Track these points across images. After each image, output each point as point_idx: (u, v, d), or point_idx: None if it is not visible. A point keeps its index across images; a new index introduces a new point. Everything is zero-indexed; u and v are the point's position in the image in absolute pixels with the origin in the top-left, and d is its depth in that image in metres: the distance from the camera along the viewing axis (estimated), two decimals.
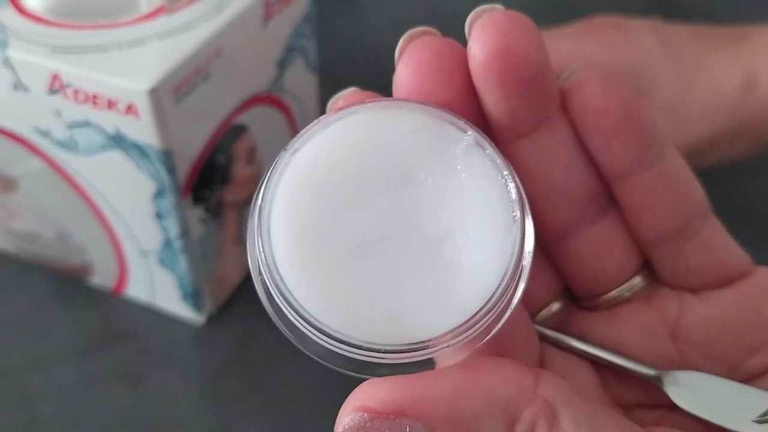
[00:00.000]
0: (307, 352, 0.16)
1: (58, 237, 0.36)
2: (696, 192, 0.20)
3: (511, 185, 0.15)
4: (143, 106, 0.27)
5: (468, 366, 0.16)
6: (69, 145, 0.30)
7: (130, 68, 0.28)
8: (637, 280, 0.20)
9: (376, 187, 0.15)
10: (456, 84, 0.17)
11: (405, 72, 0.17)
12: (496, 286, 0.15)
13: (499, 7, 0.17)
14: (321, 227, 0.15)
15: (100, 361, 0.35)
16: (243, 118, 0.33)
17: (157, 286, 0.35)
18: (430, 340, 0.15)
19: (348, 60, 0.52)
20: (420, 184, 0.15)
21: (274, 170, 0.15)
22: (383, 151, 0.15)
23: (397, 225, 0.15)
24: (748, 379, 0.19)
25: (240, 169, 0.35)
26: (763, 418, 0.18)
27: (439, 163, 0.15)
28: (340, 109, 0.16)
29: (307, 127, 0.16)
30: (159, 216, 0.31)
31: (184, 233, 0.32)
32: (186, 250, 0.33)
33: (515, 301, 0.16)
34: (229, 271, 0.37)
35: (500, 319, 0.15)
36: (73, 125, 0.29)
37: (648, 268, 0.20)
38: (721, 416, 0.18)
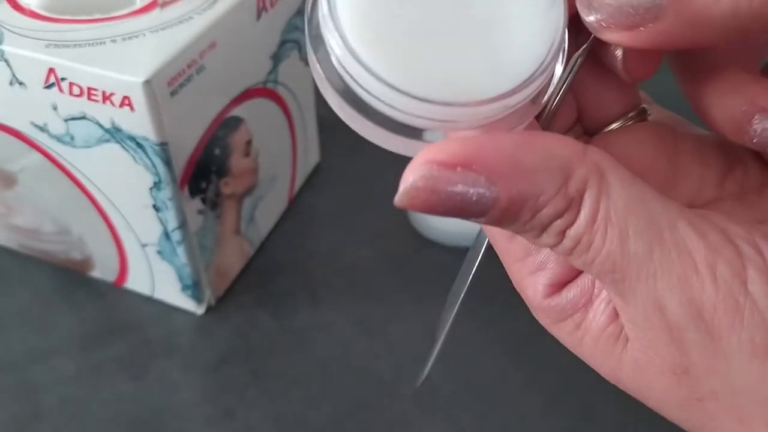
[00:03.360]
0: (344, 114, 0.17)
1: (58, 231, 0.36)
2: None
3: None
4: (138, 98, 0.28)
5: (525, 131, 0.17)
6: (66, 139, 0.31)
7: (125, 61, 0.28)
8: (633, 114, 0.22)
9: None
10: None
11: None
12: (546, 53, 0.17)
13: None
14: (383, 13, 0.16)
15: (101, 353, 0.35)
16: (238, 111, 0.34)
17: (157, 278, 0.36)
18: (491, 98, 0.16)
19: None
20: None
21: None
22: None
23: (451, 9, 0.17)
24: (738, 189, 0.21)
25: (237, 161, 0.35)
26: None
27: None
28: None
29: None
30: (156, 208, 0.32)
31: (182, 225, 0.33)
32: (184, 241, 0.33)
33: (558, 71, 0.17)
34: (229, 262, 0.37)
35: (548, 88, 0.17)
36: (70, 119, 0.30)
37: (640, 107, 0.22)
38: None
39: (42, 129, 0.31)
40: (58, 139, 0.31)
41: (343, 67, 0.16)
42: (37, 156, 0.32)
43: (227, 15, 0.31)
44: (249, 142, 0.36)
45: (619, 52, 0.20)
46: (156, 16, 0.30)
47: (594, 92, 0.22)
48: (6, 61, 0.29)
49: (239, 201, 0.37)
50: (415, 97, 0.16)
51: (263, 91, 0.35)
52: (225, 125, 0.33)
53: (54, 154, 0.32)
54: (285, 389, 0.34)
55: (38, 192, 0.35)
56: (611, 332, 0.19)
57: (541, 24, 0.17)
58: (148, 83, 0.27)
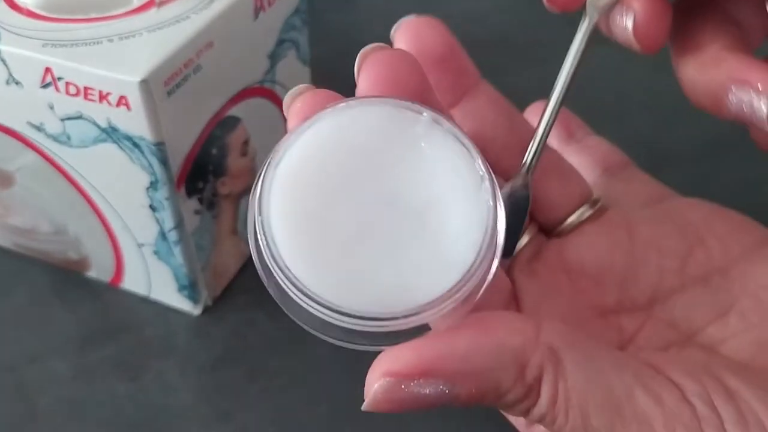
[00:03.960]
0: (321, 335, 0.18)
1: (54, 231, 0.36)
2: (615, 152, 0.25)
3: (472, 149, 0.17)
4: (134, 98, 0.28)
5: (476, 323, 0.17)
6: (62, 139, 0.31)
7: (121, 61, 0.28)
8: (586, 208, 0.23)
9: (356, 178, 0.17)
10: (411, 87, 0.19)
11: (365, 85, 0.19)
12: (482, 238, 0.17)
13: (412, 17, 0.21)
14: (316, 220, 0.17)
15: (97, 354, 0.35)
16: (236, 110, 0.34)
17: (153, 279, 0.36)
18: (434, 301, 0.16)
19: (341, 54, 0.52)
20: (394, 166, 0.17)
21: (264, 182, 0.17)
22: (355, 145, 0.17)
23: (382, 206, 0.17)
24: (701, 272, 0.22)
25: (234, 161, 0.35)
26: None
27: (406, 144, 0.17)
28: (304, 113, 0.18)
29: (283, 139, 0.17)
30: (153, 208, 0.32)
31: (179, 225, 0.32)
32: (181, 242, 0.33)
33: (498, 250, 0.17)
34: (225, 262, 0.37)
35: (491, 268, 0.17)
36: (66, 118, 0.30)
37: (593, 197, 0.23)
38: None
39: (38, 128, 0.31)
40: (55, 138, 0.31)
41: (284, 285, 0.17)
42: (33, 156, 0.32)
43: (224, 14, 0.31)
44: (246, 142, 0.35)
45: (629, 23, 0.20)
46: (153, 15, 0.30)
47: (543, 191, 0.23)
48: (2, 60, 0.29)
49: (236, 201, 0.36)
50: (363, 317, 0.16)
51: (260, 90, 0.35)
52: (222, 125, 0.33)
53: (50, 154, 0.32)
54: (282, 390, 0.34)
55: (35, 192, 0.35)
56: None
57: (473, 206, 0.17)
58: (144, 83, 0.27)
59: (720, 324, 0.21)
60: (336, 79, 0.50)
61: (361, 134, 0.17)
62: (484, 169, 0.17)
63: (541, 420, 0.18)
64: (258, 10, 0.33)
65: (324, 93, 0.19)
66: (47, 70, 0.28)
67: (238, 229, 0.37)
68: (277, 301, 0.17)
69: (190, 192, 0.32)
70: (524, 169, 0.22)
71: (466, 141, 0.17)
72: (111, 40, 0.29)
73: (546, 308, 0.22)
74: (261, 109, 0.36)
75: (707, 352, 0.21)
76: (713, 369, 0.19)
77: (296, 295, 0.17)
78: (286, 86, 0.37)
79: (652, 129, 0.47)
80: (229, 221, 0.36)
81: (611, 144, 0.25)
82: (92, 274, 0.38)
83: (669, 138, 0.46)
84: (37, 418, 0.33)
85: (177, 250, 0.33)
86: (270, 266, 0.17)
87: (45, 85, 0.29)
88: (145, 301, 0.37)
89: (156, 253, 0.34)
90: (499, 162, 0.22)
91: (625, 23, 0.20)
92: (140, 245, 0.34)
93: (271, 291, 0.17)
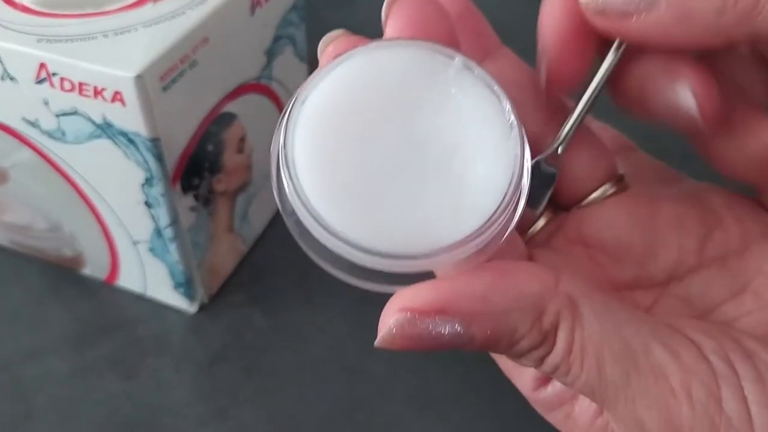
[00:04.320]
0: (337, 273, 0.17)
1: (49, 228, 0.36)
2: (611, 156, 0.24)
3: (502, 97, 0.17)
4: (129, 93, 0.27)
5: (495, 267, 0.17)
6: (57, 135, 0.30)
7: (116, 56, 0.28)
8: (610, 185, 0.22)
9: (383, 119, 0.17)
10: (440, 33, 0.18)
11: (393, 30, 0.18)
12: (507, 186, 0.17)
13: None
14: (340, 157, 0.16)
15: (93, 351, 0.35)
16: (232, 107, 0.34)
17: (149, 276, 0.35)
18: (454, 243, 0.16)
19: None
20: (422, 109, 0.17)
21: (290, 115, 0.17)
22: (384, 86, 0.17)
23: (408, 149, 0.17)
24: (718, 253, 0.22)
25: (230, 158, 0.35)
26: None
27: (435, 88, 0.17)
28: (336, 54, 0.18)
29: (313, 74, 0.17)
30: (148, 205, 0.32)
31: (174, 222, 0.32)
32: (176, 238, 0.33)
33: (522, 201, 0.17)
34: (221, 260, 0.37)
35: (513, 219, 0.17)
36: (61, 114, 0.29)
37: (616, 175, 0.23)
38: None
39: (33, 124, 0.31)
40: (50, 134, 0.31)
41: (304, 219, 0.17)
42: (28, 152, 0.32)
43: (220, 10, 0.31)
44: (243, 139, 0.35)
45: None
46: (148, 10, 0.30)
47: (572, 166, 0.22)
48: None
49: (232, 198, 0.36)
50: (381, 254, 0.16)
51: (257, 86, 0.35)
52: (218, 121, 0.33)
53: (45, 150, 0.32)
54: (278, 388, 0.34)
55: (30, 188, 0.35)
56: (600, 425, 0.20)
57: (500, 154, 0.17)
58: (139, 78, 0.27)
59: (735, 302, 0.21)
60: None
61: (390, 75, 0.17)
62: (513, 119, 0.17)
63: (554, 370, 0.18)
64: (254, 6, 0.33)
65: (358, 38, 0.19)
66: (42, 65, 0.28)
67: (235, 226, 0.37)
68: (295, 237, 0.17)
69: (186, 189, 0.32)
70: (556, 144, 0.21)
71: (497, 88, 0.17)
72: (106, 36, 0.29)
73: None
74: (258, 105, 0.36)
75: (724, 325, 0.21)
76: (731, 331, 0.19)
77: (316, 230, 0.16)
78: (283, 83, 0.37)
79: (651, 127, 0.47)
80: (225, 218, 0.36)
81: (614, 129, 0.24)
82: (87, 271, 0.38)
83: (667, 136, 0.46)
84: (33, 416, 0.33)
85: (172, 248, 0.33)
86: (291, 200, 0.17)
87: (40, 81, 0.29)
88: (141, 299, 0.37)
89: (151, 250, 0.34)
90: (528, 128, 0.22)
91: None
92: (135, 242, 0.34)
93: (289, 225, 0.17)
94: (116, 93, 0.28)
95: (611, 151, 0.23)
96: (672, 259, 0.22)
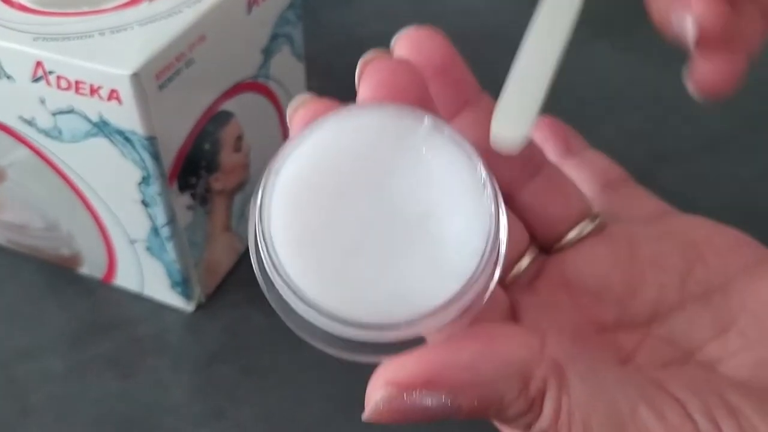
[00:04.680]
0: (321, 346, 0.17)
1: (46, 227, 0.36)
2: (613, 166, 0.24)
3: (473, 155, 0.17)
4: (125, 91, 0.27)
5: (480, 334, 0.17)
6: (53, 134, 0.30)
7: (113, 54, 0.28)
8: (587, 223, 0.23)
9: (357, 186, 0.17)
10: (411, 94, 0.19)
11: (366, 92, 0.19)
12: (484, 246, 0.16)
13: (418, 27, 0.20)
14: (317, 228, 0.16)
15: (90, 350, 0.35)
16: (229, 105, 0.33)
17: (146, 275, 0.35)
18: (435, 309, 0.16)
19: (336, 50, 0.52)
20: (395, 172, 0.17)
21: (265, 189, 0.17)
22: (356, 153, 0.17)
23: (383, 215, 0.17)
24: (701, 289, 0.22)
25: (227, 157, 0.35)
26: None
27: (407, 151, 0.17)
28: (306, 119, 0.18)
29: (284, 145, 0.17)
30: (145, 203, 0.32)
31: (171, 221, 0.32)
32: (173, 237, 0.33)
33: (501, 258, 0.17)
34: (219, 259, 0.37)
35: (493, 277, 0.17)
36: (57, 113, 0.29)
37: (593, 213, 0.23)
38: None
39: (30, 123, 0.31)
40: (46, 133, 0.31)
41: (285, 294, 0.17)
42: (25, 151, 0.32)
43: (217, 8, 0.30)
44: (239, 137, 0.35)
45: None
46: (144, 8, 0.30)
47: (544, 208, 0.23)
48: None
49: (230, 197, 0.36)
50: (364, 326, 0.16)
51: (254, 85, 0.35)
52: (215, 120, 0.33)
53: (42, 149, 0.32)
54: (276, 387, 0.34)
55: (27, 187, 0.35)
56: None
57: (474, 214, 0.17)
58: (136, 76, 0.27)
59: (719, 342, 0.21)
60: (331, 75, 0.50)
61: (361, 141, 0.17)
62: (485, 176, 0.17)
63: None
64: (251, 4, 0.33)
65: (326, 102, 0.19)
66: (38, 64, 0.28)
67: (232, 225, 0.37)
68: (278, 311, 0.17)
69: (183, 187, 0.32)
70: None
71: (467, 147, 0.17)
72: (102, 34, 0.29)
73: (546, 324, 0.21)
74: (254, 104, 0.36)
75: (707, 369, 0.21)
76: (715, 385, 0.19)
77: (297, 304, 0.16)
78: (280, 81, 0.37)
79: (650, 127, 0.47)
80: (222, 217, 0.36)
81: (609, 159, 0.25)
82: (85, 270, 0.38)
83: (666, 136, 0.46)
84: (29, 415, 0.33)
85: (170, 246, 0.33)
86: (271, 275, 0.16)
87: (36, 79, 0.29)
88: (138, 298, 0.37)
89: (148, 249, 0.34)
90: (498, 174, 0.22)
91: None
92: (132, 241, 0.34)
93: (271, 300, 0.17)
94: (112, 91, 0.28)
95: (586, 190, 0.24)
96: (653, 297, 0.22)
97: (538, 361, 0.17)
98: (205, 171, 0.33)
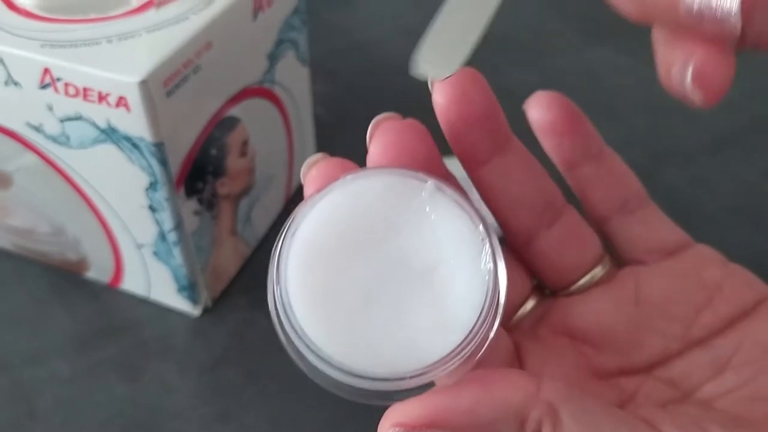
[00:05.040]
0: (337, 393, 0.19)
1: (53, 232, 0.36)
2: (631, 178, 0.24)
3: (473, 214, 0.19)
4: (134, 98, 0.27)
5: (480, 379, 0.19)
6: (61, 140, 0.31)
7: (120, 61, 0.28)
8: (599, 269, 0.24)
9: (367, 245, 0.18)
10: (419, 155, 0.20)
11: (376, 153, 0.20)
12: (483, 300, 0.18)
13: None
14: (329, 287, 0.18)
15: (96, 354, 0.35)
16: (235, 111, 0.34)
17: (153, 279, 0.36)
18: (440, 360, 0.18)
19: (340, 54, 0.52)
20: (401, 232, 0.18)
21: (281, 250, 0.19)
22: (365, 213, 0.19)
23: (391, 271, 0.18)
24: (704, 335, 0.23)
25: (233, 162, 0.35)
26: None
27: (411, 210, 0.19)
28: (319, 178, 0.20)
29: (298, 208, 0.19)
30: (152, 209, 0.32)
31: (178, 226, 0.32)
32: (180, 242, 0.33)
33: (500, 309, 0.18)
34: (225, 263, 0.37)
35: (493, 327, 0.18)
36: (65, 119, 0.30)
37: (605, 258, 0.24)
38: None
39: (37, 129, 0.31)
40: (54, 139, 0.31)
41: (296, 342, 0.18)
42: (32, 156, 0.32)
43: (223, 15, 0.31)
44: (245, 142, 0.35)
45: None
46: (152, 15, 0.30)
47: (560, 258, 0.23)
48: (1, 61, 0.29)
49: (236, 201, 0.36)
50: (377, 378, 0.18)
51: (260, 90, 0.35)
52: (221, 125, 0.33)
53: (49, 155, 0.32)
54: (282, 391, 0.34)
55: (33, 192, 0.35)
56: None
57: (474, 270, 0.18)
58: (144, 83, 0.27)
59: (717, 381, 0.22)
60: (334, 78, 0.50)
61: (370, 203, 0.19)
62: (485, 234, 0.18)
63: None
64: (257, 11, 0.33)
65: (337, 161, 0.20)
66: (46, 70, 0.28)
67: (238, 229, 0.37)
68: (296, 362, 0.19)
69: (190, 192, 0.32)
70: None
71: (467, 206, 0.19)
72: (110, 41, 0.29)
73: (549, 369, 0.23)
74: (260, 109, 0.36)
75: (703, 407, 0.22)
76: (702, 423, 0.20)
77: (311, 358, 0.18)
78: (285, 86, 0.37)
79: (651, 128, 0.47)
80: (228, 222, 0.36)
81: (625, 165, 0.25)
82: (91, 274, 0.38)
83: (667, 137, 0.46)
84: (36, 420, 0.33)
85: (176, 251, 0.33)
86: (288, 331, 0.18)
87: (44, 86, 0.29)
88: (145, 302, 0.37)
89: (155, 253, 0.34)
90: (521, 222, 0.23)
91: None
92: (139, 246, 0.34)
93: (290, 352, 0.19)
94: (120, 98, 0.28)
95: (605, 208, 0.24)
96: (657, 347, 0.23)
97: (533, 402, 0.18)
98: (211, 176, 0.34)
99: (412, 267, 0.18)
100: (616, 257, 0.24)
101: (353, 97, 0.48)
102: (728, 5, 0.18)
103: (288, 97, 0.38)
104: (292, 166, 0.41)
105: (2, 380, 0.34)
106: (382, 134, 0.20)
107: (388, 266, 0.18)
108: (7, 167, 0.34)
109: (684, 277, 0.23)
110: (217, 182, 0.34)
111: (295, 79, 0.38)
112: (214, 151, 0.33)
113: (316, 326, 0.18)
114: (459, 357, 0.18)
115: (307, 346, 0.18)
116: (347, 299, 0.18)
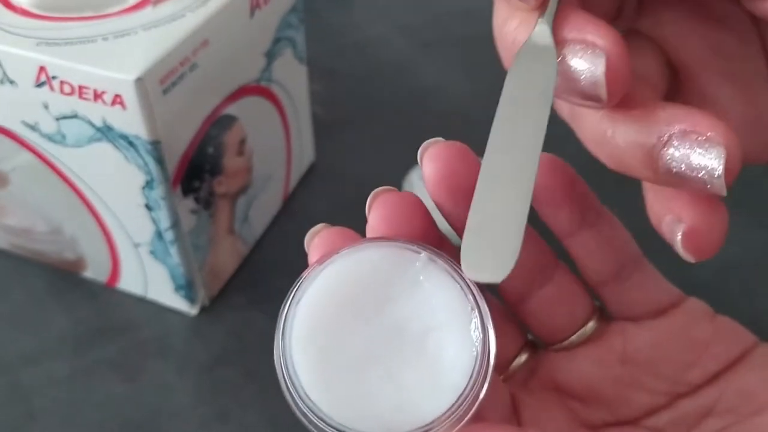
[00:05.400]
0: None
1: (50, 231, 0.36)
2: (628, 242, 0.24)
3: (463, 284, 0.20)
4: (129, 96, 0.27)
5: None
6: (57, 138, 0.30)
7: (116, 59, 0.28)
8: (589, 326, 0.24)
9: (365, 310, 0.20)
10: (415, 225, 0.21)
11: (375, 224, 0.21)
12: (473, 365, 0.19)
13: (440, 139, 0.21)
14: (329, 351, 0.19)
15: (94, 354, 0.35)
16: (232, 109, 0.34)
17: (150, 278, 0.35)
18: (434, 421, 0.19)
19: (338, 52, 0.52)
20: (397, 300, 0.20)
21: (286, 317, 0.20)
22: (364, 282, 0.20)
23: (386, 336, 0.20)
24: (691, 389, 0.24)
25: (230, 161, 0.35)
26: None
27: (406, 280, 0.20)
28: (322, 246, 0.21)
29: (303, 276, 0.20)
30: (149, 207, 0.32)
31: (175, 224, 0.32)
32: (177, 241, 0.33)
33: (490, 370, 0.19)
34: (222, 262, 0.37)
35: (482, 388, 0.19)
36: (61, 117, 0.30)
37: (595, 315, 0.24)
38: None
39: (33, 128, 0.31)
40: (50, 138, 0.31)
41: (300, 405, 0.20)
42: (28, 155, 0.32)
43: (220, 12, 0.31)
44: (243, 141, 0.35)
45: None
46: (148, 13, 0.30)
47: (551, 317, 0.24)
48: None
49: (233, 200, 0.36)
50: None
51: (257, 89, 0.35)
52: (218, 124, 0.33)
53: (45, 154, 0.32)
54: (280, 390, 0.34)
55: (30, 192, 0.35)
56: None
57: (464, 336, 0.19)
58: (140, 81, 0.27)
59: (700, 428, 0.23)
60: (332, 76, 0.50)
61: (368, 273, 0.20)
62: (474, 302, 0.20)
63: None
64: (254, 8, 0.33)
65: (338, 230, 0.21)
66: (41, 69, 0.28)
67: (235, 228, 0.37)
68: (302, 421, 0.20)
69: (186, 191, 0.32)
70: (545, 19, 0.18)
71: (458, 276, 0.20)
72: (106, 39, 0.29)
73: (543, 421, 0.24)
74: (257, 107, 0.36)
75: None
76: None
77: (315, 420, 0.19)
78: (282, 85, 0.37)
79: None
80: (225, 221, 0.36)
81: (625, 229, 0.25)
82: (88, 274, 0.38)
83: None
84: (34, 419, 0.33)
85: (173, 250, 0.33)
86: (293, 394, 0.19)
87: (39, 84, 0.29)
88: (142, 302, 0.37)
89: (152, 252, 0.34)
90: (515, 284, 0.24)
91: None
92: (136, 245, 0.34)
93: (296, 412, 0.20)
94: (116, 96, 0.28)
95: (600, 271, 0.24)
96: (644, 403, 0.24)
97: None
98: (208, 175, 0.33)
99: (407, 333, 0.19)
100: (607, 314, 0.25)
101: (351, 95, 0.48)
102: (710, 165, 0.17)
103: (285, 96, 0.38)
104: (289, 164, 0.41)
105: (0, 380, 0.34)
106: (380, 206, 0.21)
107: (385, 332, 0.20)
108: (3, 166, 0.34)
109: (673, 336, 0.24)
110: (214, 181, 0.34)
111: (292, 77, 0.38)
112: (211, 150, 0.33)
113: (318, 389, 0.19)
114: (451, 417, 0.19)
115: (310, 409, 0.19)
116: (346, 363, 0.19)
